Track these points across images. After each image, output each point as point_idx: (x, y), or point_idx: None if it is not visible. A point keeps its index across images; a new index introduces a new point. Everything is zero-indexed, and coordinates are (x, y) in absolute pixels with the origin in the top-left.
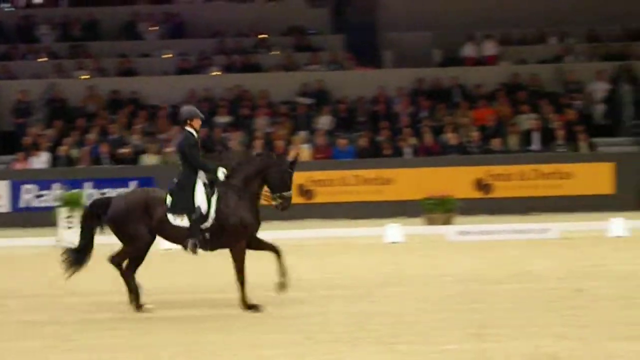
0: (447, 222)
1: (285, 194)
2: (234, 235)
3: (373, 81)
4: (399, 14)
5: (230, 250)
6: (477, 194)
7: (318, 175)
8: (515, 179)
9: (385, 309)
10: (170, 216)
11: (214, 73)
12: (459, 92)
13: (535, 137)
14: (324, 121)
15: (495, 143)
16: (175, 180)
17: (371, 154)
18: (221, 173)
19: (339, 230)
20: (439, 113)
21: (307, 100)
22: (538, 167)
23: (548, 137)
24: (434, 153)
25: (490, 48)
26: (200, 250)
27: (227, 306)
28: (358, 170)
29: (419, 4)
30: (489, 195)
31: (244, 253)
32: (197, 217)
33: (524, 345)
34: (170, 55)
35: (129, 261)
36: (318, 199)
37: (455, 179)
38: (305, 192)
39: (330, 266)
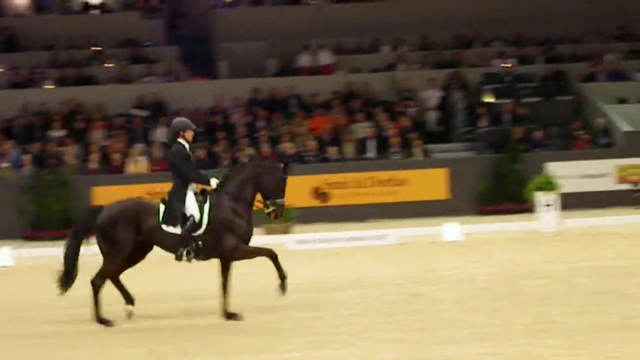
0: (285, 231)
1: (278, 201)
2: (230, 242)
3: (209, 92)
4: (234, 24)
5: (231, 257)
6: (315, 203)
7: (157, 187)
8: (351, 186)
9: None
10: (163, 225)
11: (48, 87)
12: (295, 102)
13: (371, 145)
14: (161, 133)
15: (332, 152)
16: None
17: (209, 165)
18: (214, 182)
19: None
20: (275, 123)
21: (143, 113)
22: (374, 175)
23: (383, 145)
24: None
25: (325, 57)
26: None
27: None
28: None
29: (253, 15)
30: (327, 204)
31: (244, 251)
32: (189, 226)
33: (361, 352)
34: (2, 70)
35: (103, 269)
36: None
37: (293, 188)
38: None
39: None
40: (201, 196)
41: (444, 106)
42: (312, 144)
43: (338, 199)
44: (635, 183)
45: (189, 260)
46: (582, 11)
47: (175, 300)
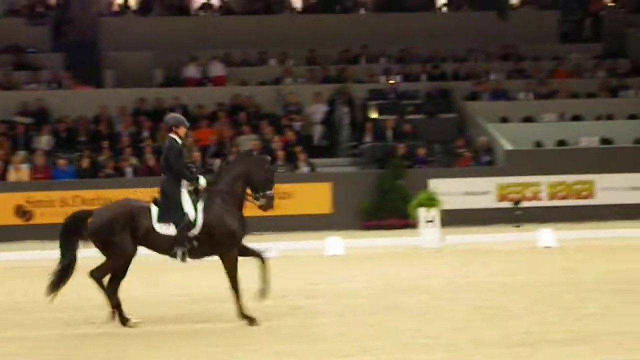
0: None
1: (268, 193)
2: (222, 242)
3: (94, 100)
4: (120, 33)
5: (222, 260)
6: None
7: (37, 195)
8: None
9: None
10: (157, 225)
11: None
12: (180, 113)
13: None
14: (44, 141)
15: (216, 164)
16: (160, 188)
17: (92, 174)
18: (202, 180)
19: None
20: (160, 133)
21: (26, 120)
22: None
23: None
24: (155, 173)
25: (217, 69)
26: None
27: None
28: (78, 191)
29: (140, 24)
30: None
31: (236, 261)
32: (185, 225)
33: None
34: None
35: (111, 275)
36: (37, 220)
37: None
38: (23, 213)
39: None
40: (194, 195)
41: (329, 121)
42: (196, 155)
43: None
44: (515, 201)
45: (183, 260)
46: (467, 30)
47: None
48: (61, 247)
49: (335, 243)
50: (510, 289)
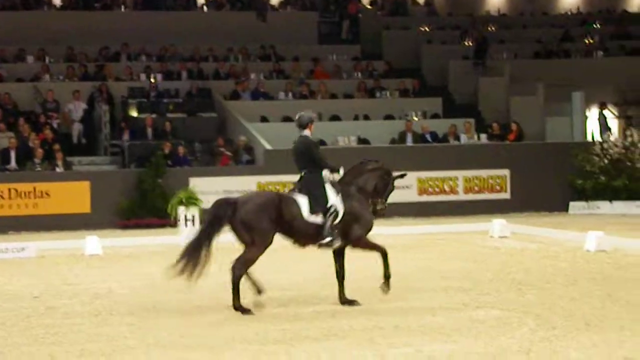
0: None
1: (386, 202)
2: (359, 231)
3: None
4: None
5: (356, 246)
6: None
7: None
8: None
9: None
10: (307, 215)
11: None
12: None
13: (12, 156)
14: None
15: None
16: (301, 181)
17: None
18: (342, 171)
19: None
20: None
21: None
22: (15, 186)
23: (25, 156)
24: None
25: None
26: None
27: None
28: None
29: None
30: None
31: (364, 244)
32: (332, 214)
33: None
34: None
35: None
36: None
37: None
38: None
39: None
40: (335, 187)
41: (88, 119)
42: None
43: None
44: None
45: (331, 246)
46: (227, 30)
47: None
48: (204, 232)
49: (93, 242)
50: (268, 286)
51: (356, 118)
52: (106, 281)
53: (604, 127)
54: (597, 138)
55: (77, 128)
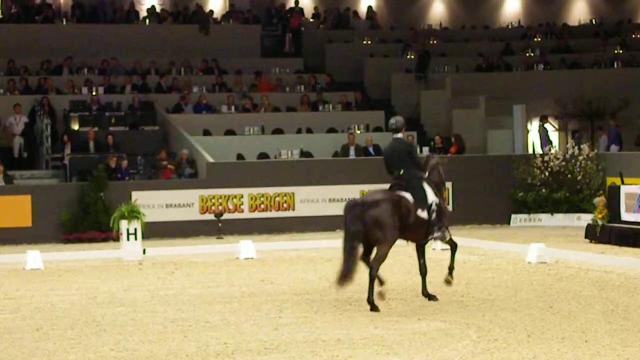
0: None
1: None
2: (446, 223)
3: None
4: None
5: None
6: None
7: None
8: None
9: None
10: (419, 211)
11: None
12: None
13: None
14: None
15: None
16: (397, 180)
17: None
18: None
19: None
20: None
21: None
22: None
23: None
24: None
25: None
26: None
27: None
28: None
29: None
30: None
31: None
32: (434, 210)
33: None
34: None
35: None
36: None
37: None
38: None
39: None
40: (430, 184)
41: (29, 132)
42: None
43: None
44: (217, 214)
45: (443, 240)
46: (169, 43)
47: None
48: (350, 235)
49: (34, 257)
50: (209, 300)
51: (299, 131)
52: (47, 295)
53: (545, 140)
54: (538, 150)
55: (18, 142)
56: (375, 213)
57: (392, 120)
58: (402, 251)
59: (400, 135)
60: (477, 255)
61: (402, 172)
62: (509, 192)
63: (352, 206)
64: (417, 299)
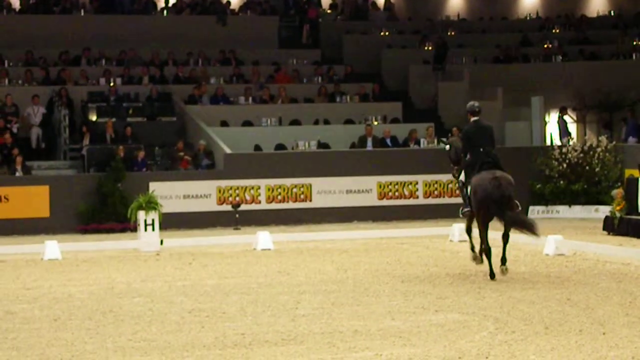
0: None
1: None
2: None
3: None
4: None
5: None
6: None
7: None
8: None
9: None
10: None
11: None
12: None
13: None
14: None
15: None
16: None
17: None
18: None
19: None
20: None
21: None
22: None
23: None
24: None
25: None
26: None
27: None
28: None
29: None
30: None
31: None
32: None
33: None
34: None
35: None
36: None
37: None
38: None
39: None
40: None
41: (48, 123)
42: None
43: None
44: (234, 204)
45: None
46: (187, 34)
47: None
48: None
49: (52, 247)
50: (226, 291)
51: (316, 122)
52: (65, 286)
53: (564, 132)
54: (556, 142)
55: (35, 132)
56: (512, 191)
57: (475, 103)
58: (419, 243)
59: (477, 117)
60: (494, 247)
61: (486, 149)
62: (527, 184)
63: (491, 179)
64: (435, 290)
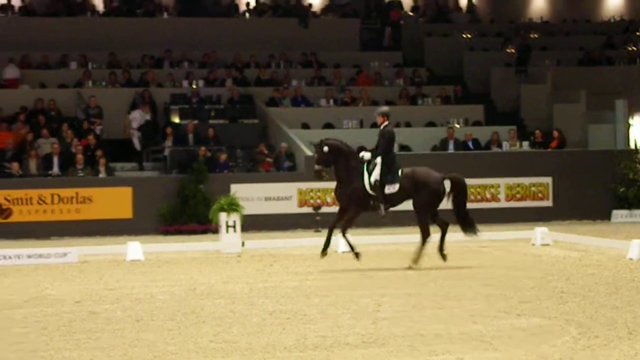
0: None
1: None
2: None
3: None
4: None
5: None
6: None
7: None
8: (35, 203)
9: None
10: None
11: None
12: None
13: (55, 161)
14: None
15: (14, 167)
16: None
17: None
18: None
19: None
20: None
21: None
22: (58, 192)
23: (68, 162)
24: None
25: (11, 71)
26: None
27: None
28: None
29: None
30: (9, 220)
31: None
32: None
33: None
34: None
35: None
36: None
37: None
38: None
39: None
40: None
41: (131, 125)
42: None
43: (20, 215)
44: (315, 207)
45: None
46: (269, 36)
47: None
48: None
49: (135, 248)
50: (307, 293)
51: (398, 125)
52: (147, 287)
53: None
54: None
55: (136, 136)
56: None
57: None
58: (501, 246)
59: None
60: (577, 251)
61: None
62: (610, 188)
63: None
64: (517, 294)
